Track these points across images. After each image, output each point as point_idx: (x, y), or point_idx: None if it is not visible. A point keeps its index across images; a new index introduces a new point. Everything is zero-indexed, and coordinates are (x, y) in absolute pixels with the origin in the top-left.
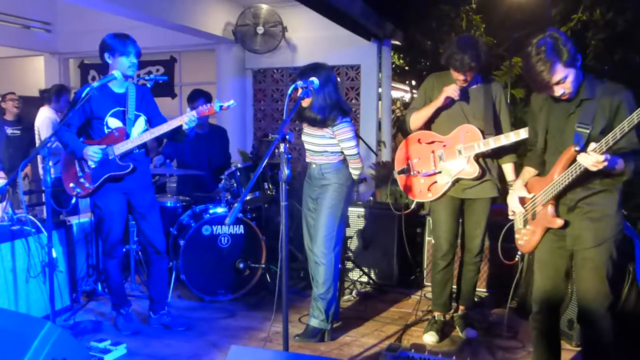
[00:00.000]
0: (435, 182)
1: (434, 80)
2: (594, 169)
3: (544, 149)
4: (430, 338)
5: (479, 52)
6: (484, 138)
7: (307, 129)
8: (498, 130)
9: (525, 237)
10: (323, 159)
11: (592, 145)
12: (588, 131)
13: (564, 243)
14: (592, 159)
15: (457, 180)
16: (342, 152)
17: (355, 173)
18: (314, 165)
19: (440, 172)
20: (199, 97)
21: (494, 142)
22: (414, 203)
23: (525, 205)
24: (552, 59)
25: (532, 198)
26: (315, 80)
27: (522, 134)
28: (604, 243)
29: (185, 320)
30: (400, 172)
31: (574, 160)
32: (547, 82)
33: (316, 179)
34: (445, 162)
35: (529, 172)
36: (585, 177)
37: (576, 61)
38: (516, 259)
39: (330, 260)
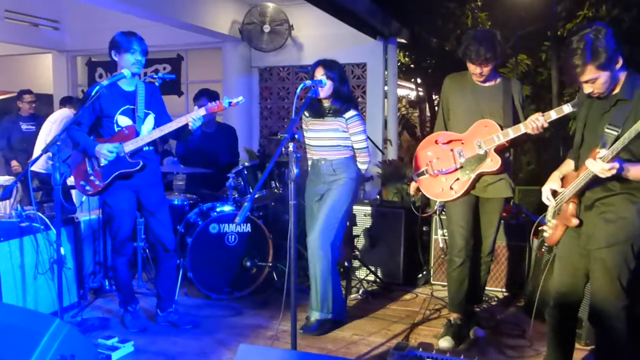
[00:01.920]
0: (458, 179)
1: (449, 82)
2: (602, 176)
3: (580, 145)
4: (445, 344)
5: (495, 45)
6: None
7: (316, 124)
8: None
9: (550, 231)
10: (335, 153)
11: (602, 152)
12: (616, 134)
13: (580, 241)
14: (598, 166)
15: (479, 177)
16: (352, 147)
17: (363, 167)
18: (323, 162)
19: (461, 168)
20: (202, 96)
21: (513, 132)
22: (437, 204)
23: (556, 199)
24: (585, 59)
25: (561, 192)
26: (324, 79)
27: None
28: (616, 245)
29: (193, 319)
30: (419, 175)
31: None
32: (576, 78)
33: (325, 175)
34: (466, 157)
35: (568, 164)
36: (602, 179)
37: (613, 64)
38: (542, 249)
39: (326, 251)
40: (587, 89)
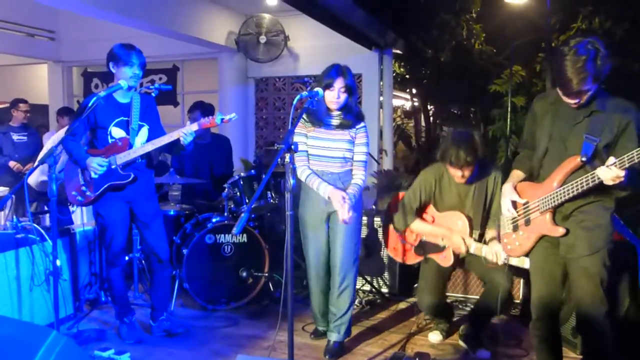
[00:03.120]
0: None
1: (432, 179)
2: (611, 182)
3: (544, 154)
4: (435, 337)
5: (474, 146)
6: (471, 235)
7: (322, 133)
8: (484, 221)
9: (517, 242)
10: (342, 166)
11: (612, 159)
12: (596, 143)
13: (557, 250)
14: (613, 173)
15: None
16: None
17: (360, 182)
18: (329, 175)
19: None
20: (195, 109)
21: (475, 252)
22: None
23: (518, 210)
24: (589, 72)
25: (524, 204)
26: (320, 90)
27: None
28: (598, 252)
29: (184, 322)
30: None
31: (576, 170)
32: (573, 90)
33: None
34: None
35: (517, 175)
36: (594, 190)
37: (601, 78)
38: (504, 262)
39: (355, 275)
40: (574, 99)
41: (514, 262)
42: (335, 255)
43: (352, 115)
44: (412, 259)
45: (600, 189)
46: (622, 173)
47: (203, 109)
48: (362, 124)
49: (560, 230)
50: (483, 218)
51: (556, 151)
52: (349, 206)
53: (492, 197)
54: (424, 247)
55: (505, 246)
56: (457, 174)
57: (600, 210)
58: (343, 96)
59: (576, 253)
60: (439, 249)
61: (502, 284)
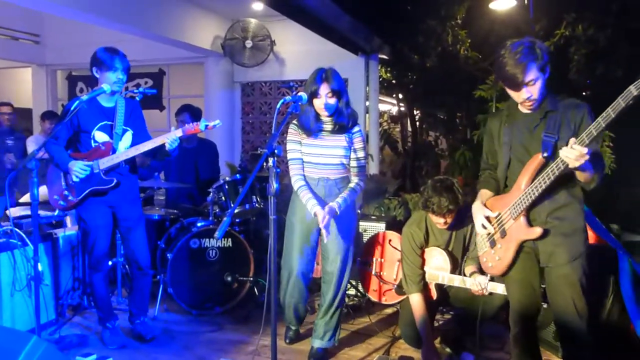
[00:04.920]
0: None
1: (416, 231)
2: (577, 163)
3: (508, 166)
4: None
5: (455, 194)
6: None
7: (316, 140)
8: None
9: (497, 257)
10: (339, 172)
11: (572, 140)
12: (555, 140)
13: (534, 261)
14: (576, 152)
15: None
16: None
17: (359, 186)
18: (326, 182)
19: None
20: (184, 111)
21: (458, 283)
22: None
23: (492, 223)
24: (528, 59)
25: (497, 216)
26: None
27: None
28: (578, 258)
29: (156, 328)
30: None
31: (542, 168)
32: (519, 81)
33: (331, 196)
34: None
35: (485, 194)
36: (557, 184)
37: (546, 70)
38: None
39: (347, 280)
40: (524, 94)
41: (499, 290)
42: (327, 267)
43: (344, 117)
44: (393, 299)
45: (568, 182)
46: (585, 150)
47: (191, 112)
48: (357, 128)
49: (537, 230)
50: (462, 260)
51: (519, 159)
52: (327, 222)
53: (469, 240)
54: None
55: (486, 265)
56: (440, 221)
57: (574, 213)
58: (331, 101)
59: (557, 261)
60: None
61: (498, 296)
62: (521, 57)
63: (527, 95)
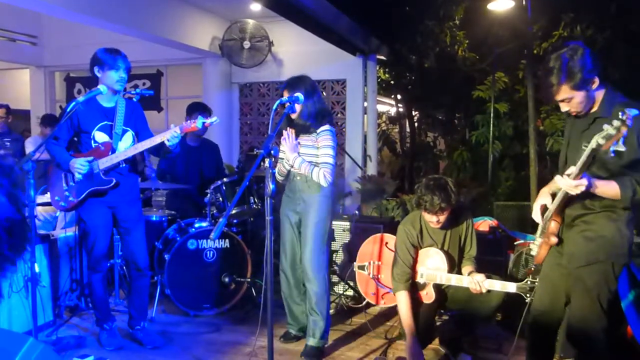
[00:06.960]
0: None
1: (410, 230)
2: (571, 192)
3: (565, 163)
4: None
5: (449, 193)
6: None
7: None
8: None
9: (537, 249)
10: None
11: (570, 169)
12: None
13: (562, 261)
14: (569, 182)
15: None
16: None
17: (321, 182)
18: (298, 177)
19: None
20: (196, 110)
21: (455, 281)
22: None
23: (544, 217)
24: (560, 79)
25: (549, 210)
26: (299, 95)
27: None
28: (596, 263)
29: (159, 338)
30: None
31: None
32: (551, 99)
33: (301, 191)
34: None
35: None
36: (580, 196)
37: (589, 84)
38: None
39: (324, 276)
40: (564, 107)
41: (497, 287)
42: (303, 260)
43: (310, 117)
44: (392, 301)
45: (601, 198)
46: (574, 182)
47: (203, 109)
48: (324, 128)
49: (553, 240)
50: (459, 260)
51: (572, 158)
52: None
53: (465, 240)
54: None
55: (532, 252)
56: (433, 220)
57: (605, 220)
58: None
59: (574, 263)
60: (419, 286)
61: (495, 295)
62: (552, 77)
63: (565, 108)
